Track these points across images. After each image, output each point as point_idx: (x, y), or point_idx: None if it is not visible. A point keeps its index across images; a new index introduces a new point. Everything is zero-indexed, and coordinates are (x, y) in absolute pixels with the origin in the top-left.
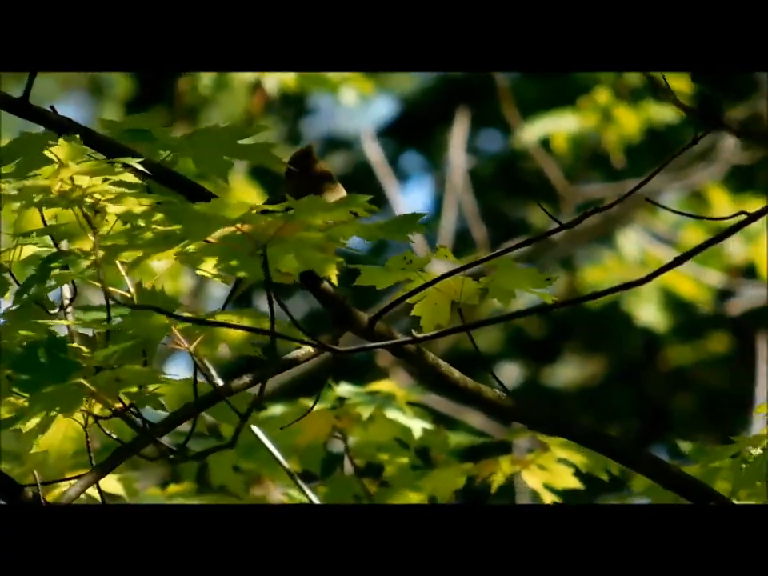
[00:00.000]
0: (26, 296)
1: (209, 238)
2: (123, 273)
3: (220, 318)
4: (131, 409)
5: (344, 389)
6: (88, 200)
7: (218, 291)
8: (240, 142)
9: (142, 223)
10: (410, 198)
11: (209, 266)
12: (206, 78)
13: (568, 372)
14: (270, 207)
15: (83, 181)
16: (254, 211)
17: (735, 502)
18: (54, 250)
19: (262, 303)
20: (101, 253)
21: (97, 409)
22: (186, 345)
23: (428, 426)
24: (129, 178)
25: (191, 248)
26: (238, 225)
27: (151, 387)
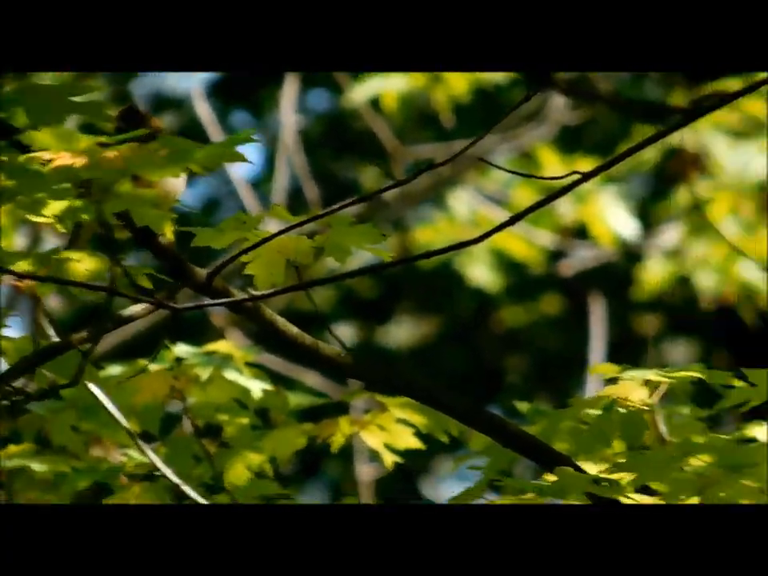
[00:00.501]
0: None
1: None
2: None
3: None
4: None
5: (181, 349)
6: None
7: None
8: (71, 98)
9: None
10: None
11: (48, 212)
12: None
13: (401, 332)
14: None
15: None
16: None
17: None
18: None
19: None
20: None
21: None
22: (23, 282)
23: (267, 386)
24: None
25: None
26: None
27: None
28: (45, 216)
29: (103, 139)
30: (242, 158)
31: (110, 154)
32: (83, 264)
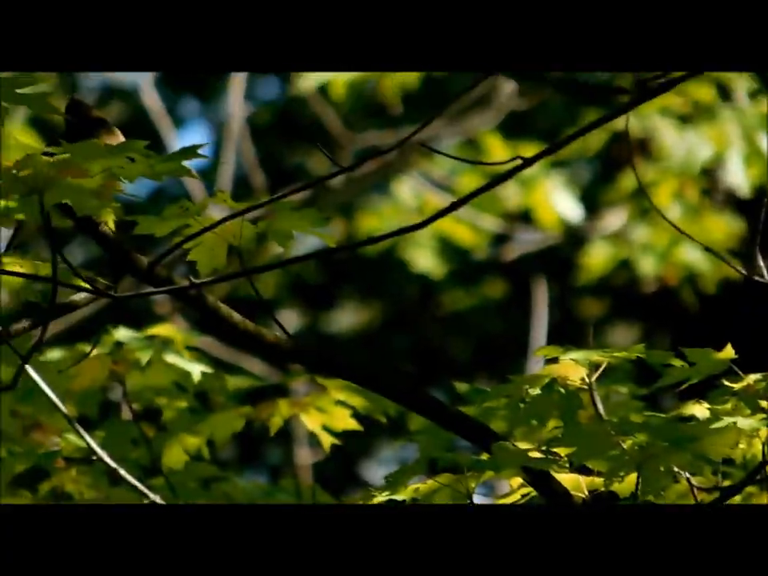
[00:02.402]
0: None
1: None
2: None
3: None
4: None
5: (122, 333)
6: None
7: None
8: (18, 90)
9: None
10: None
11: None
12: None
13: (345, 318)
14: (50, 150)
15: None
16: (32, 155)
17: (513, 442)
18: None
19: (39, 249)
20: None
21: None
22: None
23: (207, 369)
24: None
25: None
26: (14, 170)
27: None
28: None
29: (34, 150)
30: (189, 173)
31: (41, 166)
32: (24, 268)
